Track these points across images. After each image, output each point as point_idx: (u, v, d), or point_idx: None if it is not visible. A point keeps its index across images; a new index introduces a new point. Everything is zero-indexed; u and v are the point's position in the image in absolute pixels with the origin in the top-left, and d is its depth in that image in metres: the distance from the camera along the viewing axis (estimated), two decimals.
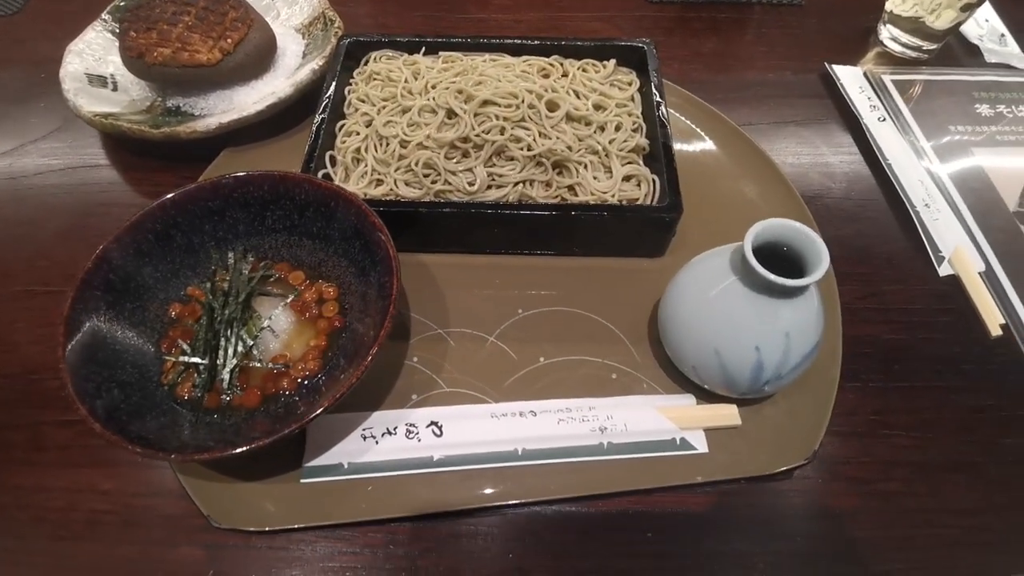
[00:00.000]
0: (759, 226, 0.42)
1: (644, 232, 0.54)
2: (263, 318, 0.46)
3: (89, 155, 0.66)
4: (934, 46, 0.75)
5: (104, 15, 0.70)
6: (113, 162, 0.65)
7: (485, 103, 0.55)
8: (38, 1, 0.83)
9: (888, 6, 0.75)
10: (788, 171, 0.62)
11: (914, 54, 0.75)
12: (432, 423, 0.47)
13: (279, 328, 0.47)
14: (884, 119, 0.68)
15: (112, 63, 0.67)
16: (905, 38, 0.75)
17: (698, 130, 0.65)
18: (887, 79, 0.72)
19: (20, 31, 0.79)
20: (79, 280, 0.45)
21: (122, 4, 0.71)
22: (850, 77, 0.72)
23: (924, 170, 0.64)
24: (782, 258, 0.43)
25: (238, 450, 0.38)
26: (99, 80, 0.66)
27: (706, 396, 0.49)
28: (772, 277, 0.40)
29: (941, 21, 0.71)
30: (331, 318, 0.49)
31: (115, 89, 0.67)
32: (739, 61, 0.74)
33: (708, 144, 0.64)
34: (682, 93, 0.67)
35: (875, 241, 0.60)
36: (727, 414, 0.48)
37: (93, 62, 0.67)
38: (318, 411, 0.39)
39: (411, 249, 0.55)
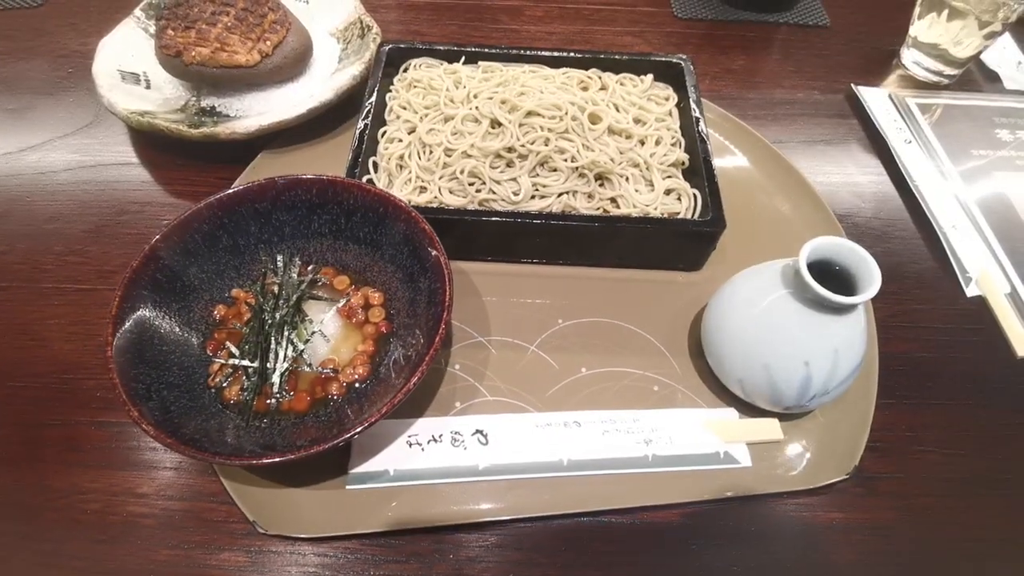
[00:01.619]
0: (813, 243, 0.43)
1: (685, 245, 0.55)
2: (313, 322, 0.46)
3: (121, 152, 0.66)
4: (956, 72, 0.77)
5: (137, 11, 0.70)
6: (145, 160, 0.65)
7: (529, 114, 0.56)
8: None
9: (912, 31, 0.77)
10: (818, 189, 0.63)
11: (936, 78, 0.77)
12: (478, 431, 0.47)
13: (328, 332, 0.47)
14: (910, 141, 0.69)
15: (145, 60, 0.67)
16: (928, 63, 0.77)
17: (732, 146, 0.66)
18: (911, 102, 0.73)
19: (45, 23, 0.79)
20: (127, 278, 0.44)
21: (155, 2, 0.71)
22: (876, 99, 0.73)
23: (950, 192, 0.65)
24: (832, 275, 0.44)
25: (293, 456, 0.38)
26: (132, 77, 0.66)
27: (747, 410, 0.50)
28: (827, 293, 0.41)
29: (963, 49, 0.73)
30: (378, 323, 0.49)
31: (148, 87, 0.66)
32: (768, 79, 0.76)
33: (742, 160, 0.65)
34: (715, 109, 0.68)
35: (904, 260, 0.61)
36: (770, 428, 0.49)
37: (125, 59, 0.67)
38: (376, 418, 0.39)
39: (451, 256, 0.55)
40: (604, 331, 0.53)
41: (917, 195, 0.65)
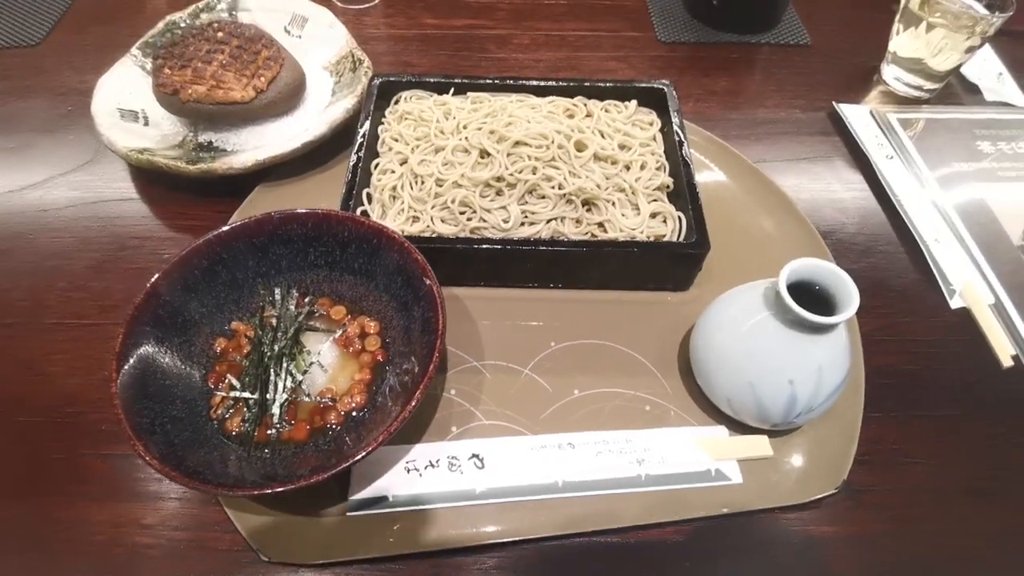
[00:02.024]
0: (792, 265, 0.45)
1: (671, 267, 0.57)
2: (311, 353, 0.48)
3: (120, 188, 0.68)
4: (936, 86, 0.79)
5: (134, 50, 0.73)
6: (144, 196, 0.67)
7: (517, 143, 0.58)
8: (61, 33, 0.85)
9: (891, 47, 0.79)
10: (802, 206, 0.65)
11: (916, 93, 0.80)
12: (474, 455, 0.48)
13: (326, 362, 0.49)
14: (892, 156, 0.71)
15: (143, 98, 0.69)
16: (908, 78, 0.79)
17: (715, 167, 0.68)
18: (892, 117, 0.76)
19: (43, 62, 0.81)
20: (130, 315, 0.46)
21: (151, 40, 0.73)
22: (857, 116, 0.75)
23: (932, 206, 0.67)
24: (812, 295, 0.46)
25: (295, 485, 0.39)
26: (131, 115, 0.68)
27: (737, 427, 0.51)
28: (807, 315, 0.43)
29: (942, 62, 0.76)
30: (374, 352, 0.50)
31: (146, 124, 0.69)
32: (750, 99, 0.78)
33: (726, 180, 0.67)
34: (698, 131, 0.70)
35: (889, 275, 0.63)
36: (759, 445, 0.50)
37: (123, 97, 0.69)
38: (373, 447, 0.40)
39: (445, 283, 0.57)
40: (595, 352, 0.55)
41: (900, 210, 0.67)
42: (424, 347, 0.46)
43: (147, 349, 0.46)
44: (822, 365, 0.45)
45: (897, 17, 0.78)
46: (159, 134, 0.68)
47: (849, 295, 0.44)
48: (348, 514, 0.46)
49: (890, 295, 0.61)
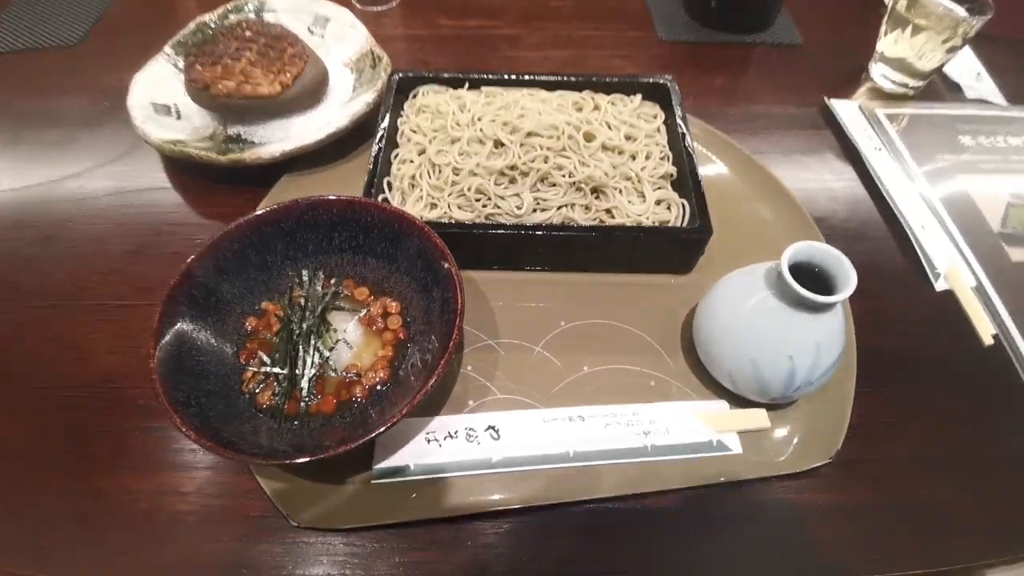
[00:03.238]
0: (794, 247, 0.43)
1: (675, 251, 0.55)
2: (337, 331, 0.47)
3: (155, 178, 0.66)
4: (920, 83, 0.77)
5: (167, 49, 0.71)
6: (178, 185, 0.65)
7: (529, 134, 0.56)
8: (98, 35, 0.83)
9: (879, 47, 0.77)
10: (797, 195, 0.63)
11: (902, 90, 0.77)
12: (490, 427, 0.47)
13: (351, 340, 0.47)
14: (880, 149, 0.70)
15: (175, 93, 0.67)
16: (894, 75, 0.77)
17: (715, 157, 0.66)
18: (880, 112, 0.74)
19: (82, 62, 0.79)
20: (166, 295, 0.45)
21: (183, 40, 0.71)
22: (847, 111, 0.73)
23: (918, 195, 0.65)
24: (812, 276, 0.44)
25: (323, 455, 0.38)
26: (164, 109, 0.66)
27: (737, 401, 0.50)
28: (807, 294, 0.41)
29: (926, 62, 0.74)
30: (396, 331, 0.49)
31: (179, 117, 0.67)
32: (747, 95, 0.76)
33: (725, 170, 0.65)
34: (699, 124, 0.68)
35: (878, 259, 0.61)
36: (758, 418, 0.49)
37: (157, 92, 0.67)
38: (397, 418, 0.39)
39: (461, 266, 0.55)
40: (603, 332, 0.53)
41: (888, 198, 0.65)
42: (443, 326, 0.45)
43: (182, 327, 0.45)
44: (820, 342, 0.44)
45: (885, 19, 0.76)
46: (190, 127, 0.66)
47: (847, 276, 0.42)
48: (372, 482, 0.45)
49: (879, 279, 0.60)
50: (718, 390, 0.50)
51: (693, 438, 0.47)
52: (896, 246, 0.62)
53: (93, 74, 0.78)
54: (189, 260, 0.47)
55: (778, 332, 0.44)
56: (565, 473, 0.46)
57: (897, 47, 0.75)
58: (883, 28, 0.76)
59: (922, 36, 0.72)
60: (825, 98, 0.74)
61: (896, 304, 0.58)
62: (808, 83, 0.78)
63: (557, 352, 0.52)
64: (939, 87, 0.79)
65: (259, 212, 0.50)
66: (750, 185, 0.64)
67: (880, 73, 0.78)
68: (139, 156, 0.68)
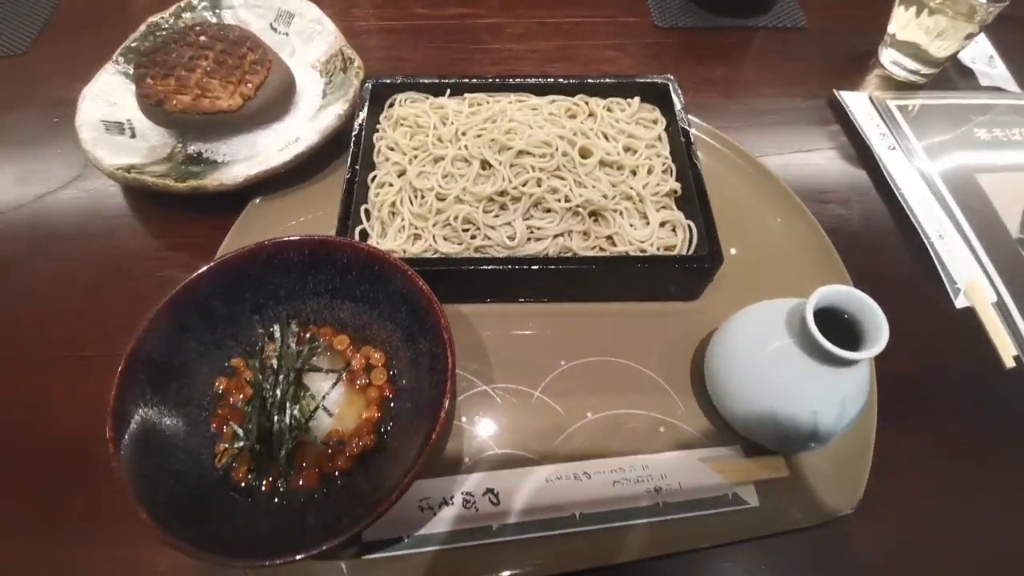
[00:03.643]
0: (820, 294, 0.38)
1: (682, 279, 0.49)
2: (315, 396, 0.41)
3: (112, 206, 0.58)
4: (933, 71, 0.70)
5: (116, 56, 0.62)
6: (137, 213, 0.58)
7: (520, 153, 0.49)
8: (45, 41, 0.73)
9: (891, 29, 0.70)
10: (805, 200, 0.57)
11: (913, 77, 0.70)
12: (488, 491, 0.42)
13: (332, 401, 0.42)
14: (894, 148, 0.63)
15: (128, 108, 0.59)
16: (906, 62, 0.70)
17: (718, 162, 0.59)
18: (891, 104, 0.67)
19: (30, 71, 0.70)
20: (121, 366, 0.39)
21: (134, 45, 0.63)
22: (857, 103, 0.66)
23: (934, 199, 0.60)
24: (837, 321, 0.39)
25: (304, 555, 0.33)
26: (116, 127, 0.58)
27: (752, 445, 0.45)
28: (837, 351, 0.36)
29: (941, 49, 0.66)
30: (381, 386, 0.43)
31: (133, 136, 0.59)
32: (749, 87, 0.69)
33: (729, 177, 0.59)
34: (699, 124, 0.61)
35: (895, 272, 0.56)
36: (775, 466, 0.44)
37: (108, 108, 0.59)
38: (384, 508, 0.34)
39: (449, 299, 0.50)
40: (606, 370, 0.48)
41: (903, 203, 0.59)
42: (433, 387, 0.39)
43: (144, 400, 0.39)
44: (846, 396, 0.39)
45: (897, 0, 0.68)
46: (146, 146, 0.58)
47: (878, 327, 0.37)
48: (363, 557, 0.40)
49: (895, 294, 0.53)
50: (731, 433, 0.45)
51: (708, 492, 0.43)
52: (912, 257, 0.57)
53: (44, 84, 0.68)
54: (147, 320, 0.40)
55: (800, 385, 0.39)
56: (571, 538, 0.41)
57: (909, 31, 0.67)
58: (896, 9, 0.69)
59: (937, 20, 0.64)
60: (834, 90, 0.67)
61: (914, 322, 0.53)
62: (814, 71, 0.70)
63: (558, 396, 0.47)
64: (950, 73, 0.72)
65: (221, 259, 0.43)
66: (757, 194, 0.57)
67: (891, 59, 0.71)
68: (93, 180, 0.60)
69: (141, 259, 0.55)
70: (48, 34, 0.73)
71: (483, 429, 0.45)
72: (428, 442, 0.35)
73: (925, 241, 0.57)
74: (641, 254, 0.48)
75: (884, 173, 0.61)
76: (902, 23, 0.68)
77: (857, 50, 0.73)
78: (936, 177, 0.61)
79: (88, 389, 0.48)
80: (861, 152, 0.63)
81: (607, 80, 0.57)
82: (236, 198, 0.55)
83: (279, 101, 0.59)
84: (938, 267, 0.55)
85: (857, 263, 0.55)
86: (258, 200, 0.56)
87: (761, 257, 0.53)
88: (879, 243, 0.57)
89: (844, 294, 0.38)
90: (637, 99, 0.57)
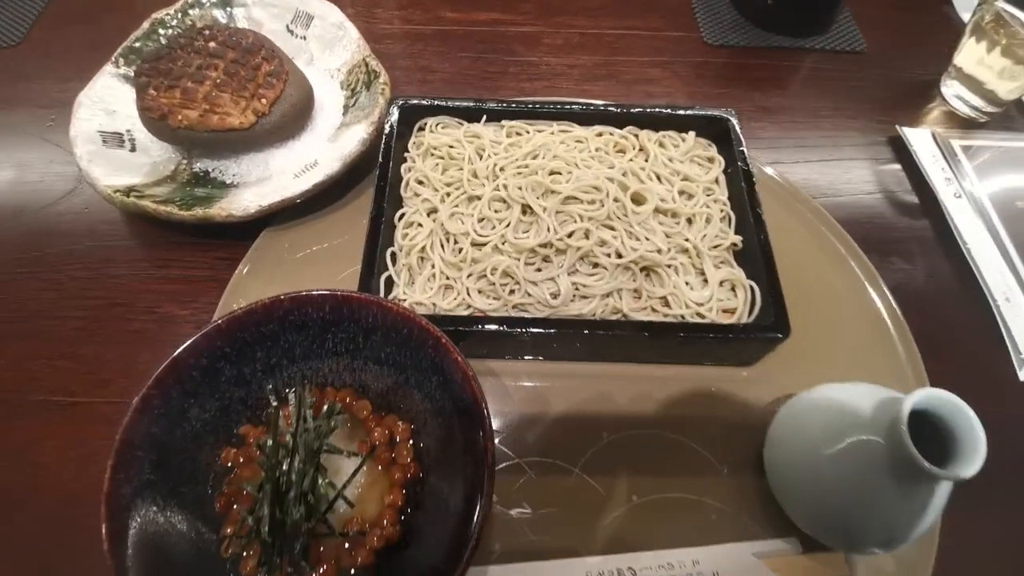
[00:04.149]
0: (914, 399, 0.32)
1: (741, 348, 0.44)
2: (334, 479, 0.36)
3: (109, 228, 0.52)
4: (996, 110, 0.63)
5: (116, 57, 0.55)
6: (135, 237, 0.52)
7: (566, 199, 0.43)
8: (40, 32, 0.66)
9: (957, 60, 0.63)
10: (867, 253, 0.51)
11: (974, 115, 0.64)
12: None
13: (351, 484, 0.36)
14: (960, 196, 0.57)
15: (128, 116, 0.53)
16: (969, 97, 0.63)
17: (774, 205, 0.53)
18: (956, 145, 0.61)
19: (24, 66, 0.63)
20: (117, 442, 0.33)
21: (136, 45, 0.56)
22: (921, 142, 0.60)
23: (1002, 258, 0.54)
24: (927, 423, 0.33)
25: None
26: (115, 139, 0.52)
27: (808, 537, 0.40)
28: (933, 469, 0.31)
29: (1007, 90, 0.60)
30: (406, 466, 0.38)
31: (133, 149, 0.52)
32: (805, 118, 0.62)
33: (786, 221, 0.52)
34: (754, 161, 0.55)
35: (958, 334, 0.51)
36: (835, 564, 0.39)
37: (106, 117, 0.52)
38: None
39: (482, 355, 0.45)
40: (653, 445, 0.43)
41: (969, 259, 0.53)
42: (468, 479, 0.34)
43: (141, 482, 0.33)
44: (927, 506, 0.34)
45: (968, 29, 0.62)
46: (148, 162, 0.52)
47: (975, 442, 0.32)
48: None
49: (959, 359, 0.49)
50: (787, 522, 0.41)
51: None
52: (977, 320, 0.51)
53: (37, 83, 0.62)
54: (145, 388, 0.35)
55: (879, 490, 0.34)
56: None
57: (976, 66, 0.61)
58: (964, 40, 0.62)
59: (1007, 60, 0.58)
60: (898, 126, 0.60)
61: (975, 391, 0.47)
62: (874, 102, 0.64)
63: (599, 474, 0.41)
64: (1012, 110, 0.66)
65: (231, 315, 0.37)
66: (818, 245, 0.51)
67: (954, 93, 0.64)
68: (89, 195, 0.54)
69: (140, 293, 0.49)
70: (44, 24, 0.66)
71: (515, 509, 0.40)
72: (461, 561, 0.30)
73: (991, 302, 0.51)
74: (700, 320, 0.42)
75: (949, 223, 0.55)
76: (970, 57, 0.62)
77: (919, 79, 0.66)
78: (1003, 232, 0.56)
79: (79, 441, 0.43)
80: (924, 197, 0.57)
81: (660, 110, 0.51)
82: (247, 224, 0.49)
83: (296, 118, 0.52)
84: (1004, 333, 0.50)
85: (921, 323, 0.50)
86: (271, 228, 0.50)
87: (823, 319, 0.48)
88: (942, 303, 0.52)
89: (943, 401, 0.33)
90: (692, 134, 0.51)
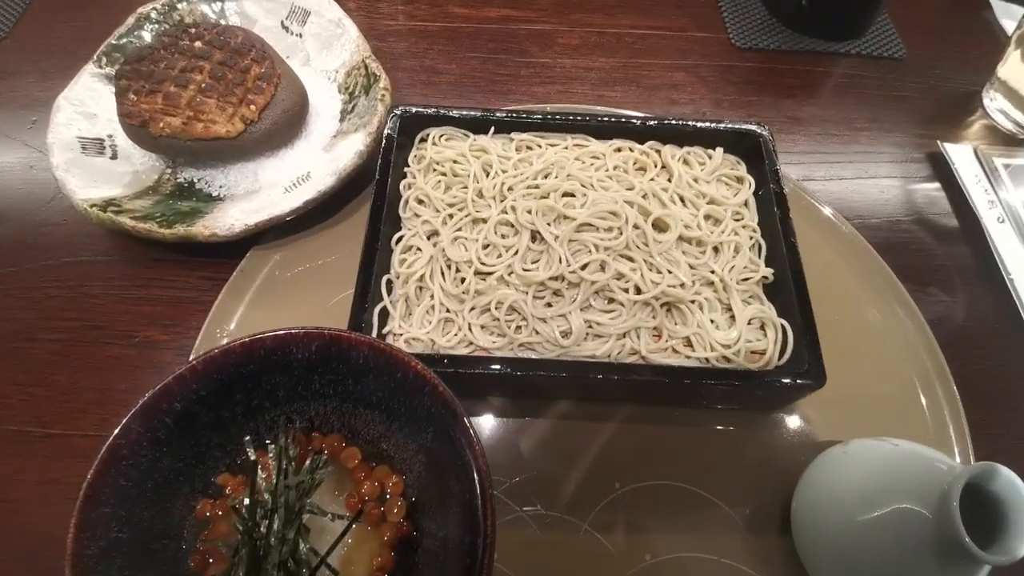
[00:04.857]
0: (966, 475, 0.28)
1: (769, 394, 0.40)
2: (317, 551, 0.32)
3: (88, 242, 0.48)
4: None
5: (98, 55, 0.50)
6: (116, 251, 0.47)
7: (581, 226, 0.39)
8: (26, 24, 0.61)
9: (1000, 72, 0.57)
10: (902, 278, 0.47)
11: (1016, 130, 0.58)
12: None
13: (338, 553, 0.32)
14: (1003, 221, 0.52)
15: (109, 121, 0.48)
16: (1013, 112, 0.58)
17: (805, 228, 0.48)
18: (999, 163, 0.55)
19: (7, 62, 0.58)
20: (81, 497, 0.29)
21: (120, 42, 0.51)
22: (963, 159, 0.55)
23: None
24: (972, 495, 0.29)
25: None
26: (95, 145, 0.48)
27: None
28: (984, 555, 0.27)
29: None
30: (397, 524, 0.34)
31: (115, 156, 0.48)
32: (840, 131, 0.57)
33: (818, 247, 0.47)
34: (786, 182, 0.50)
35: (998, 380, 0.46)
36: None
37: (85, 122, 0.48)
38: None
39: (484, 396, 0.41)
40: (669, 499, 0.39)
41: (1013, 293, 0.48)
42: (466, 537, 0.30)
43: (107, 540, 0.30)
44: None
45: (1013, 39, 0.56)
46: (130, 171, 0.48)
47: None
48: None
49: (1000, 408, 0.45)
50: None
51: None
52: (1020, 356, 0.47)
53: (19, 80, 0.57)
54: (110, 440, 0.31)
55: (919, 570, 0.30)
56: None
57: (1021, 79, 0.56)
58: (1008, 52, 0.56)
59: None
60: (939, 142, 0.55)
61: (1017, 435, 0.44)
62: (913, 115, 0.58)
63: (610, 531, 0.37)
64: None
65: (206, 355, 0.33)
66: (852, 275, 0.47)
67: (997, 107, 0.59)
68: (69, 203, 0.49)
69: (119, 315, 0.45)
70: (30, 18, 0.61)
71: (516, 569, 0.36)
72: None
73: None
74: (726, 365, 0.38)
75: (992, 251, 0.50)
76: (1015, 70, 0.56)
77: (959, 90, 0.60)
78: None
79: (53, 476, 0.40)
80: (965, 221, 0.52)
81: (684, 123, 0.46)
82: (234, 242, 0.45)
83: (288, 125, 0.48)
84: None
85: (958, 364, 0.45)
86: (259, 247, 0.46)
87: (858, 360, 0.43)
88: (985, 341, 0.47)
89: (998, 478, 0.28)
90: (720, 150, 0.46)
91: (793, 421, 0.41)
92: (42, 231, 0.49)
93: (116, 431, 0.31)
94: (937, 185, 0.55)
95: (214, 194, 0.47)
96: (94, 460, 0.30)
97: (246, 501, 0.32)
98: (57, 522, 0.37)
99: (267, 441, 0.35)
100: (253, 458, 0.33)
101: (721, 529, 0.38)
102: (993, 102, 0.59)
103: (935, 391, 0.42)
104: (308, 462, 0.33)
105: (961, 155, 0.55)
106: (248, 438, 0.34)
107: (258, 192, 0.46)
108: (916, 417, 0.41)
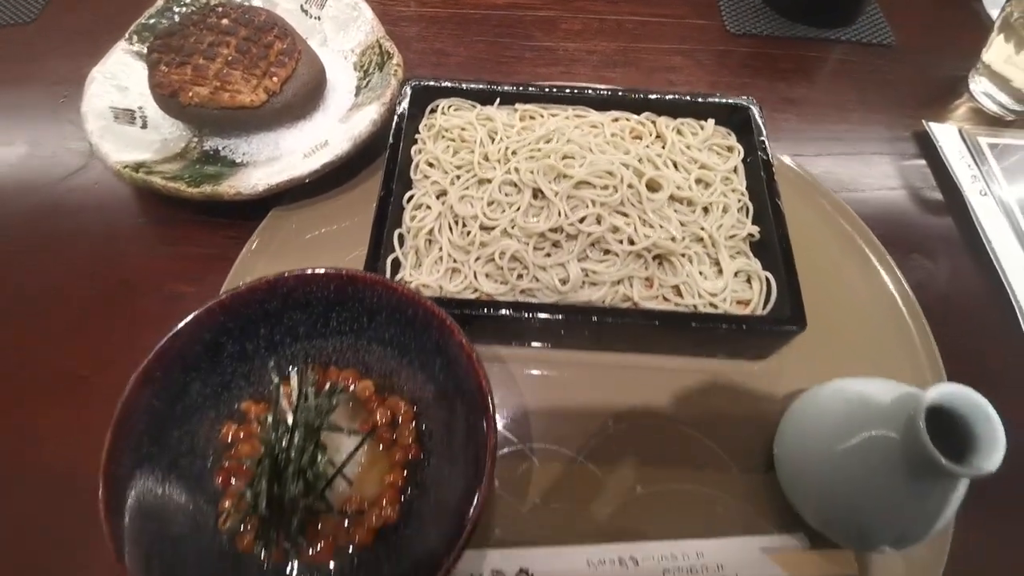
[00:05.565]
0: (933, 395, 0.32)
1: (754, 340, 0.44)
2: (333, 457, 0.36)
3: (118, 205, 0.53)
4: (1022, 108, 0.62)
5: (130, 34, 0.56)
6: (145, 214, 0.52)
7: (579, 184, 0.43)
8: (54, 8, 0.67)
9: (985, 57, 0.62)
10: (888, 249, 0.51)
11: (1001, 112, 0.63)
12: (521, 571, 0.37)
13: (351, 463, 0.36)
14: (986, 194, 0.56)
15: (140, 93, 0.53)
16: (997, 95, 0.62)
17: (793, 198, 0.52)
18: (983, 142, 0.59)
19: (36, 44, 0.64)
20: (117, 414, 0.34)
21: (149, 22, 0.56)
22: (947, 138, 0.59)
23: None
24: (943, 419, 0.33)
25: None
26: (126, 115, 0.53)
27: (817, 533, 0.40)
28: (951, 466, 0.30)
29: None
30: (407, 447, 0.38)
31: (144, 126, 0.53)
32: (830, 111, 0.61)
33: (805, 215, 0.51)
34: (776, 155, 0.54)
35: (982, 346, 0.49)
36: (843, 562, 0.39)
37: (118, 93, 0.53)
38: None
39: (487, 340, 0.45)
40: (659, 436, 0.43)
41: (996, 264, 0.52)
42: (468, 464, 0.34)
43: (140, 455, 0.34)
44: (942, 504, 0.33)
45: (996, 24, 0.60)
46: (159, 139, 0.53)
47: (992, 439, 0.31)
48: None
49: (977, 361, 0.48)
50: (795, 517, 0.40)
51: None
52: (1002, 328, 0.50)
53: (49, 60, 0.63)
54: (146, 361, 0.35)
55: (893, 487, 0.33)
56: None
57: (1004, 64, 0.60)
58: (993, 35, 0.61)
59: None
60: (924, 121, 0.59)
61: (994, 395, 0.47)
62: (901, 97, 0.63)
63: (603, 463, 0.41)
64: None
65: (233, 291, 0.37)
66: (838, 240, 0.51)
67: (982, 90, 0.63)
68: (99, 171, 0.54)
69: (148, 270, 0.49)
70: (57, 2, 0.67)
71: (517, 495, 0.40)
72: (459, 541, 0.30)
73: (1015, 306, 0.50)
74: (712, 311, 0.42)
75: (975, 222, 0.54)
76: (999, 54, 0.60)
77: (946, 75, 0.65)
78: None
79: (81, 419, 0.44)
80: (949, 195, 0.56)
81: (678, 97, 0.51)
82: (256, 204, 0.50)
83: (307, 98, 0.53)
84: None
85: (939, 324, 0.49)
86: (279, 208, 0.50)
87: (840, 314, 0.47)
88: (965, 304, 0.51)
89: (963, 397, 0.32)
90: (711, 121, 0.50)
91: (778, 369, 0.45)
92: (74, 195, 0.53)
93: (151, 355, 0.36)
94: (923, 162, 0.59)
95: (237, 160, 0.52)
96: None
97: (269, 419, 0.36)
98: (82, 458, 0.41)
99: (288, 370, 0.39)
100: (277, 381, 0.37)
101: (708, 464, 0.42)
102: (978, 85, 0.64)
103: (914, 344, 0.46)
104: (327, 387, 0.37)
105: (945, 134, 0.59)
106: (272, 363, 0.38)
107: (279, 159, 0.51)
108: (896, 366, 0.45)
